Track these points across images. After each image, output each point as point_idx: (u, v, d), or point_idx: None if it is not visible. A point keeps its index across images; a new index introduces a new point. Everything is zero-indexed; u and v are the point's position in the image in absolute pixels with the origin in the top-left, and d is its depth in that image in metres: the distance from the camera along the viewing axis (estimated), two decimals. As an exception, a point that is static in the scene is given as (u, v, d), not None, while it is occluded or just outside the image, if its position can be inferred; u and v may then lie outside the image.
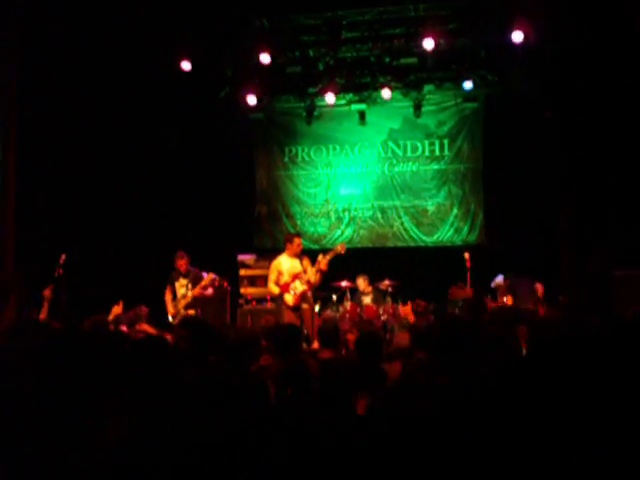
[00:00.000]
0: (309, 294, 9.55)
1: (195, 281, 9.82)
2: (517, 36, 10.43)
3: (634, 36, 7.85)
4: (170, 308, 9.93)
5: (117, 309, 8.00)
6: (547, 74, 11.23)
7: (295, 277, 9.43)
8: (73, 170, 11.03)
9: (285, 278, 9.46)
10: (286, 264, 9.55)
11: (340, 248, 9.63)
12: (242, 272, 12.12)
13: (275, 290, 9.55)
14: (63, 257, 9.31)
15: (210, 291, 10.16)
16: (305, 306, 9.50)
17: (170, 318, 9.79)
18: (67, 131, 10.75)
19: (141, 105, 11.54)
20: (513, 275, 10.26)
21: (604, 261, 9.96)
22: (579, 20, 10.04)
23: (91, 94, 10.80)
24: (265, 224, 14.05)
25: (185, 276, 9.93)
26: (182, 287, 9.94)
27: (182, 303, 9.83)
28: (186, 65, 11.21)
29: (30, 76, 10.04)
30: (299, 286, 9.42)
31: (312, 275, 9.40)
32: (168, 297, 10.01)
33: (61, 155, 10.75)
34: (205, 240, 11.89)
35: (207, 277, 9.84)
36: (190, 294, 9.79)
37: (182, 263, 9.90)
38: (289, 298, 9.39)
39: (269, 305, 11.50)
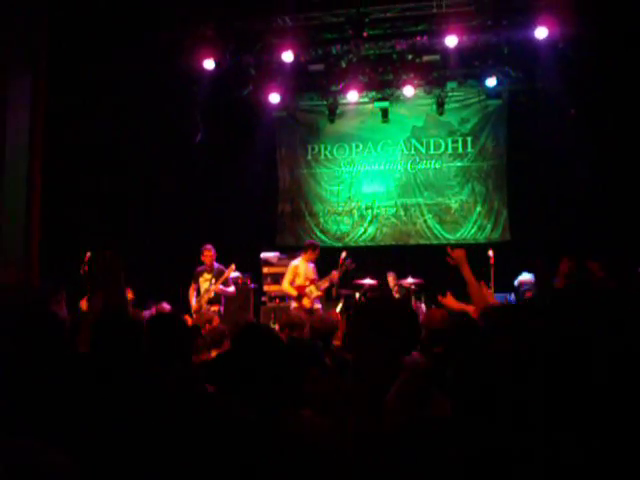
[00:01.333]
0: (318, 301, 10.06)
1: (219, 276, 9.90)
2: (541, 32, 10.36)
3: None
4: (193, 303, 10.00)
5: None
6: (571, 71, 11.14)
7: (311, 282, 9.81)
8: (100, 167, 11.10)
9: (300, 280, 9.80)
10: (302, 267, 9.90)
11: (348, 264, 9.90)
12: (265, 270, 12.14)
13: (291, 291, 9.85)
14: (88, 255, 9.39)
15: (232, 289, 10.21)
16: (317, 307, 9.86)
17: (192, 314, 9.82)
18: (93, 127, 10.81)
19: (165, 104, 11.59)
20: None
21: (630, 259, 9.86)
22: (604, 16, 9.95)
23: (117, 92, 10.87)
24: (288, 222, 14.09)
25: (210, 271, 10.00)
26: (206, 282, 9.99)
27: (205, 298, 9.88)
28: (209, 64, 11.24)
29: (56, 68, 10.09)
30: (314, 291, 9.82)
31: (323, 283, 9.98)
32: (192, 293, 10.09)
33: (87, 152, 10.82)
34: (229, 238, 11.93)
35: (229, 269, 9.88)
36: (213, 288, 9.85)
37: (209, 255, 9.98)
38: (306, 301, 9.71)
39: (294, 303, 11.52)
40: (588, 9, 9.89)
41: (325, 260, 12.09)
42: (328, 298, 11.38)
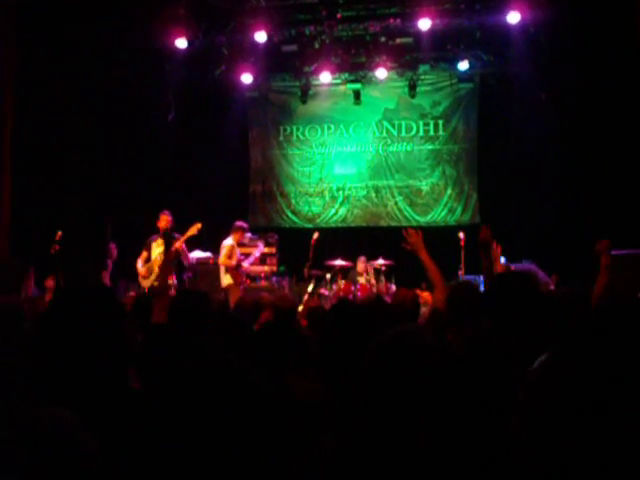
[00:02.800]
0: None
1: (171, 240, 9.41)
2: (513, 17, 10.44)
3: (630, 18, 7.89)
4: (141, 270, 9.55)
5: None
6: (542, 55, 11.24)
7: (239, 261, 10.10)
8: (70, 147, 11.03)
9: (234, 259, 10.01)
10: (235, 248, 10.15)
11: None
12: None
13: (231, 262, 9.97)
14: (59, 234, 9.36)
15: (186, 260, 10.06)
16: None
17: (141, 280, 9.53)
18: (64, 106, 10.73)
19: (137, 83, 11.51)
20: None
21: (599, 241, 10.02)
22: (575, 1, 10.06)
23: (89, 71, 10.78)
24: (260, 202, 14.10)
25: (163, 236, 9.54)
26: (159, 247, 9.54)
27: (158, 262, 9.44)
28: (182, 43, 11.17)
29: (26, 46, 10.00)
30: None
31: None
32: (140, 261, 9.61)
33: (58, 131, 10.74)
34: (200, 218, 11.89)
35: (194, 226, 9.54)
36: (177, 245, 9.29)
37: (166, 219, 9.51)
38: (241, 277, 10.15)
39: (263, 283, 11.58)
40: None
41: (297, 240, 12.17)
42: (299, 279, 11.46)
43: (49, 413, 1.44)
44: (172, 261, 9.62)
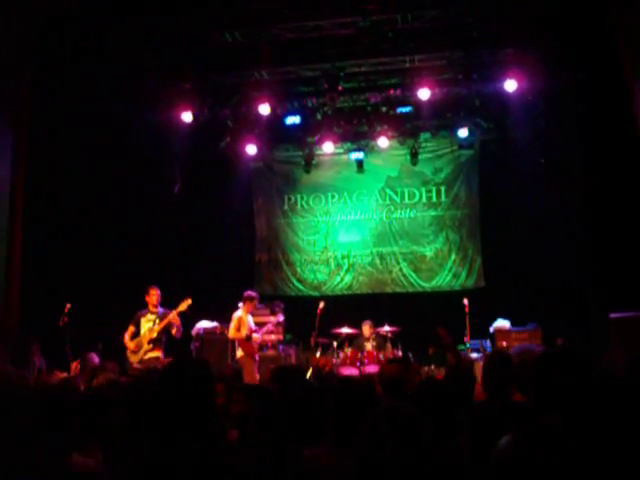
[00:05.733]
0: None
1: (163, 317, 9.59)
2: (510, 85, 10.66)
3: (624, 83, 8.09)
4: (130, 344, 9.54)
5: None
6: (540, 122, 11.47)
7: (251, 331, 10.26)
8: (80, 219, 11.16)
9: (245, 331, 10.17)
10: (245, 318, 10.31)
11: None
12: (243, 319, 12.16)
13: (240, 335, 10.15)
14: (68, 306, 9.44)
15: (178, 334, 10.11)
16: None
17: (129, 354, 9.51)
18: (73, 178, 10.89)
19: (145, 156, 11.73)
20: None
21: (600, 304, 10.08)
22: (570, 69, 10.29)
23: (98, 143, 10.98)
24: (265, 271, 14.18)
25: (154, 312, 9.67)
26: (149, 322, 9.61)
27: (147, 337, 9.51)
28: (187, 116, 11.43)
29: (38, 119, 10.21)
30: (258, 339, 10.41)
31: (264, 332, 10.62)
32: (127, 336, 9.60)
33: (68, 202, 10.89)
34: (207, 287, 11.99)
35: (184, 302, 9.62)
36: (157, 328, 9.50)
37: (154, 294, 9.69)
38: (251, 348, 10.19)
39: (270, 352, 11.60)
40: (555, 63, 10.24)
41: (303, 308, 12.20)
42: (306, 347, 11.47)
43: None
44: (162, 336, 9.71)
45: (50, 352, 9.42)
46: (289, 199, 14.31)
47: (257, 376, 9.87)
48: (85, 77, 10.10)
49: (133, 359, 9.45)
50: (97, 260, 11.48)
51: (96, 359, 9.01)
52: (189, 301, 9.67)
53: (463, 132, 12.41)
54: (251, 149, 12.93)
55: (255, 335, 10.23)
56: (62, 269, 10.75)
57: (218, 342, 11.49)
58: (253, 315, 10.71)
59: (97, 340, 9.92)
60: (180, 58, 10.78)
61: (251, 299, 10.44)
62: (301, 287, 13.87)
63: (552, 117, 11.37)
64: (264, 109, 11.45)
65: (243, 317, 10.24)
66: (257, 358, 10.20)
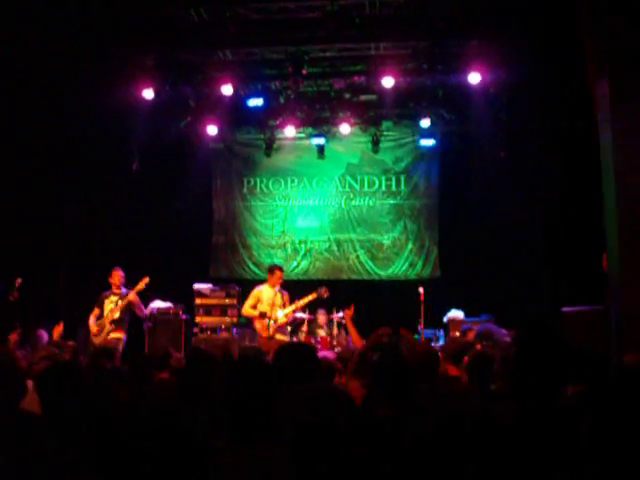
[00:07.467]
0: (287, 328, 10.05)
1: (124, 298, 9.69)
2: (474, 77, 10.71)
3: (587, 81, 8.16)
4: (93, 327, 9.63)
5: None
6: (502, 115, 11.55)
7: (273, 308, 9.74)
8: (34, 193, 10.97)
9: (264, 307, 9.76)
10: (266, 293, 9.88)
11: (323, 292, 9.80)
12: (198, 301, 12.09)
13: (253, 312, 9.81)
14: (19, 281, 9.27)
15: (146, 311, 10.08)
16: (281, 337, 9.78)
17: (92, 337, 9.60)
18: (30, 152, 10.69)
19: (102, 132, 11.57)
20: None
21: (553, 298, 10.22)
22: (533, 63, 10.37)
23: (55, 120, 10.80)
24: (222, 254, 14.08)
25: (117, 294, 9.78)
26: (111, 303, 9.71)
27: (109, 318, 9.59)
28: (149, 94, 11.26)
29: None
30: (281, 318, 9.76)
31: (290, 311, 9.89)
32: (92, 319, 9.73)
33: (22, 176, 10.69)
34: (162, 268, 11.89)
35: (142, 281, 9.67)
36: (118, 308, 9.58)
37: (118, 276, 9.78)
38: (265, 327, 9.66)
39: (224, 334, 11.55)
40: (519, 58, 10.30)
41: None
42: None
43: None
44: (125, 316, 9.65)
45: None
46: (248, 182, 14.22)
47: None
48: (46, 48, 9.89)
49: (97, 341, 9.43)
50: (52, 239, 11.32)
51: (45, 336, 8.94)
52: (146, 280, 9.66)
53: (425, 122, 12.43)
54: (212, 130, 12.80)
55: (279, 313, 9.78)
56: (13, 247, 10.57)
57: (171, 323, 11.40)
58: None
59: (53, 320, 9.82)
60: (143, 33, 10.60)
61: (272, 270, 10.04)
62: (257, 271, 13.80)
63: (513, 111, 11.46)
64: (227, 90, 11.33)
65: (263, 292, 9.90)
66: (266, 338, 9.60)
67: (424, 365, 4.31)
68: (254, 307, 9.85)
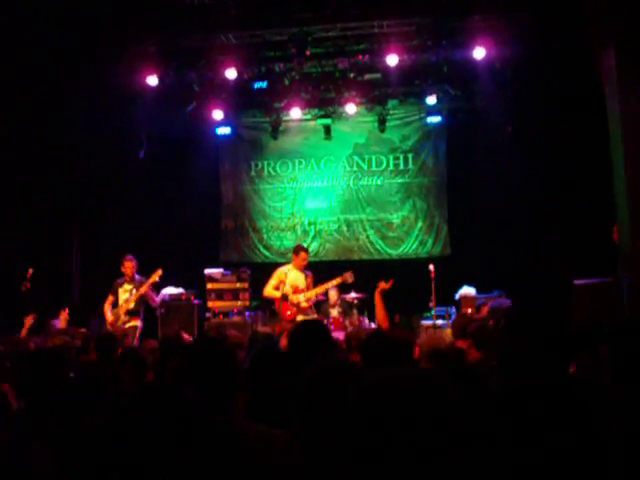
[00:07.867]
0: (310, 312, 9.70)
1: (139, 286, 9.73)
2: (479, 52, 10.63)
3: (593, 53, 8.09)
4: (109, 316, 9.71)
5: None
6: (508, 89, 11.47)
7: (296, 291, 9.57)
8: (44, 181, 11.01)
9: (286, 288, 9.61)
10: (291, 275, 9.68)
11: (349, 277, 9.70)
12: (209, 286, 12.10)
13: (275, 294, 9.64)
14: (30, 271, 9.32)
15: (158, 300, 10.13)
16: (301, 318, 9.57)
17: (108, 326, 9.66)
18: (39, 138, 10.71)
19: (109, 120, 11.56)
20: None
21: (565, 271, 10.18)
22: (538, 37, 10.28)
23: (61, 108, 10.80)
24: (231, 238, 14.10)
25: (130, 282, 9.81)
26: (126, 292, 9.74)
27: (124, 308, 9.65)
28: (152, 80, 11.24)
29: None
30: (303, 302, 9.55)
31: (313, 295, 9.63)
32: (107, 306, 9.78)
33: (32, 164, 10.72)
34: (172, 254, 11.94)
35: (155, 273, 9.71)
36: (133, 299, 9.64)
37: (129, 265, 9.77)
38: (287, 310, 9.52)
39: (236, 318, 11.58)
40: (524, 31, 10.21)
41: (270, 275, 12.16)
42: (272, 313, 11.41)
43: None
44: (139, 307, 9.70)
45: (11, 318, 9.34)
46: (256, 165, 14.21)
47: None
48: (48, 40, 9.87)
49: (112, 330, 9.47)
50: (61, 228, 11.36)
51: (58, 325, 9.03)
52: (160, 272, 9.72)
53: (431, 99, 12.36)
54: (218, 114, 12.78)
55: (300, 296, 9.52)
56: (27, 238, 10.62)
57: (184, 308, 11.45)
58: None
59: (62, 307, 9.90)
60: (145, 20, 10.56)
61: (297, 252, 9.72)
62: (267, 254, 13.83)
63: (519, 85, 11.38)
64: (231, 73, 11.30)
65: (286, 272, 9.66)
66: (289, 320, 9.30)
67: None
68: (277, 288, 9.62)
